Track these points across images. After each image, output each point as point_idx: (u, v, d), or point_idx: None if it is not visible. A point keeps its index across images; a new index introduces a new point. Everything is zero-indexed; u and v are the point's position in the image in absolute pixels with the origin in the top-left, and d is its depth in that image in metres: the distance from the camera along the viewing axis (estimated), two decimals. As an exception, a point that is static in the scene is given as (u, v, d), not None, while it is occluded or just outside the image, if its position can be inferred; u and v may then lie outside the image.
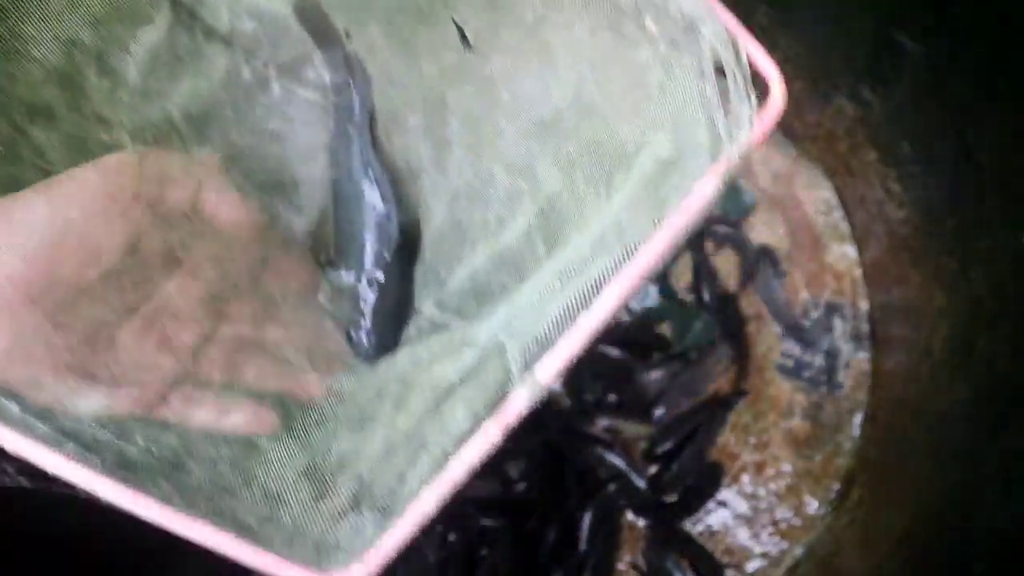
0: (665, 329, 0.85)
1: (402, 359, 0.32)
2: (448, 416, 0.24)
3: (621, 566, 0.80)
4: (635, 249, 0.25)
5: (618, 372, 0.83)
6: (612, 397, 0.83)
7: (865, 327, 0.86)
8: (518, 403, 0.24)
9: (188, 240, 0.29)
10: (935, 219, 0.72)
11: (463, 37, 0.32)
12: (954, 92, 0.64)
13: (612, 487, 0.80)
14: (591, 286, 0.25)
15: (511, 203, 0.33)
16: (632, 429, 0.83)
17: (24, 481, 0.22)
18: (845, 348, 0.86)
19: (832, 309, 0.86)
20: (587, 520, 0.79)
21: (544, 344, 0.24)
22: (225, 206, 0.30)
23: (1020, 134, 0.58)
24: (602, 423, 0.83)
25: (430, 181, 0.35)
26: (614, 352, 0.83)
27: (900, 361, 0.81)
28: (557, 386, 0.83)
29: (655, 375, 0.83)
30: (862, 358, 0.85)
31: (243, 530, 0.23)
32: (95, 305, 0.27)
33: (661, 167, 0.27)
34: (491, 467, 0.80)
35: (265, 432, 0.31)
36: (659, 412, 0.83)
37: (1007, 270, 0.63)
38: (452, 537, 0.79)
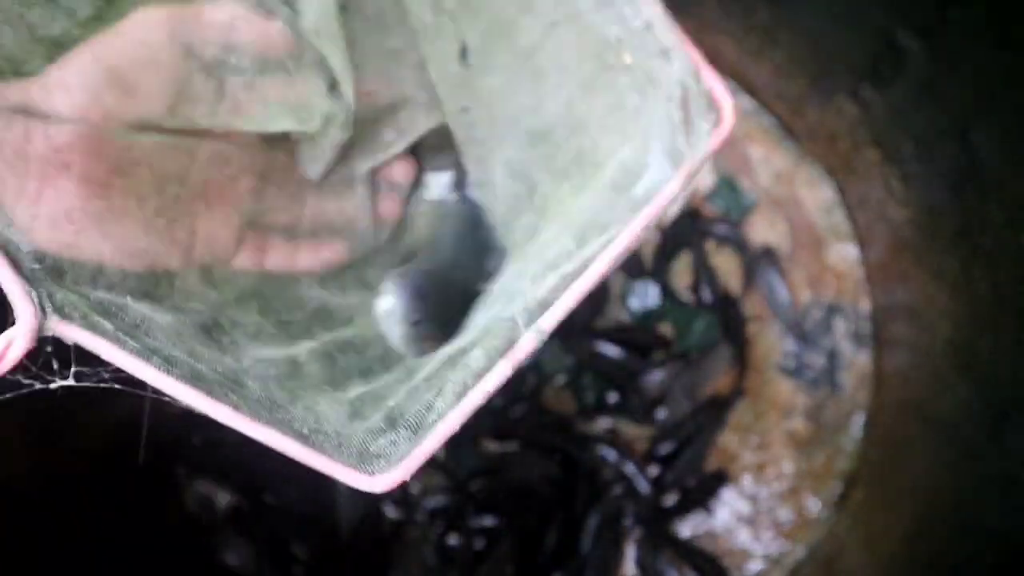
0: (666, 329, 0.85)
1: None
2: (466, 359, 0.29)
3: (623, 568, 0.80)
4: (616, 236, 0.31)
5: (619, 372, 0.83)
6: (613, 398, 0.83)
7: (867, 327, 0.86)
8: (526, 345, 0.30)
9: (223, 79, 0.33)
10: (937, 219, 0.72)
11: (463, 53, 0.38)
12: (956, 91, 0.64)
13: (617, 489, 0.80)
14: (581, 265, 0.31)
15: (513, 205, 0.39)
16: (633, 430, 0.83)
17: (117, 386, 0.27)
18: (847, 348, 0.85)
19: (834, 309, 0.86)
20: (592, 522, 0.79)
21: (544, 305, 0.30)
22: (256, 32, 0.34)
23: (1021, 133, 0.58)
24: (603, 424, 0.83)
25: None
26: (615, 352, 0.83)
27: (902, 361, 0.80)
28: (560, 380, 0.83)
29: (656, 375, 0.83)
30: (864, 358, 0.85)
31: (299, 437, 0.28)
32: (153, 161, 0.31)
33: (627, 174, 0.33)
34: (499, 468, 0.80)
35: (336, 260, 0.38)
36: (661, 413, 0.83)
37: (1009, 270, 0.63)
38: (452, 537, 0.79)
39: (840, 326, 0.86)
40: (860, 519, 0.79)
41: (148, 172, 0.31)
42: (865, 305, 0.86)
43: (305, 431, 0.28)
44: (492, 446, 0.82)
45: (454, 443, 0.79)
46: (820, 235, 0.88)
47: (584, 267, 0.30)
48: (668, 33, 0.32)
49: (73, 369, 0.25)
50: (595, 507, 0.79)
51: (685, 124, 0.32)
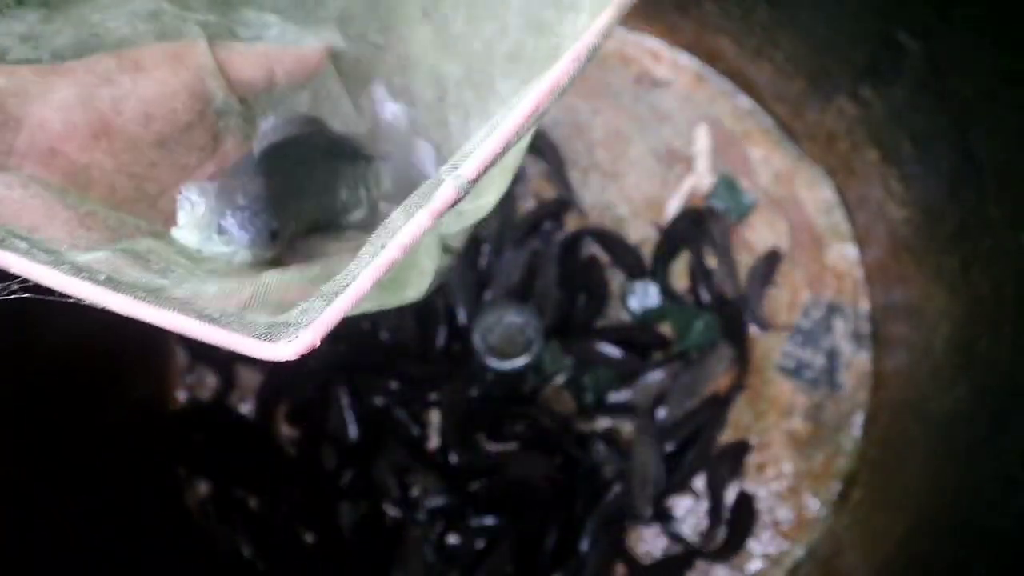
0: (666, 329, 0.85)
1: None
2: (386, 222, 0.27)
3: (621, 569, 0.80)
4: (547, 76, 0.28)
5: (619, 373, 0.83)
6: (613, 397, 0.83)
7: (866, 327, 0.86)
8: (446, 194, 0.26)
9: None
10: (936, 219, 0.72)
11: (425, 12, 0.38)
12: (955, 91, 0.64)
13: (617, 489, 0.80)
14: (510, 108, 0.28)
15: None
16: (633, 430, 0.83)
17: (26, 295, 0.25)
18: (846, 348, 0.85)
19: (833, 309, 0.86)
20: (592, 522, 0.79)
21: (469, 154, 0.27)
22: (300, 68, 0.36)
23: (1021, 133, 0.58)
24: (603, 424, 0.83)
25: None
26: (615, 352, 0.83)
27: (901, 361, 0.80)
28: (560, 380, 0.83)
29: (657, 375, 0.83)
30: (863, 358, 0.85)
31: (201, 317, 0.25)
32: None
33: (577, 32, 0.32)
34: (500, 467, 0.81)
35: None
36: (661, 413, 0.83)
37: (1008, 270, 0.63)
38: (452, 537, 0.79)
39: (839, 326, 0.86)
40: (859, 519, 0.79)
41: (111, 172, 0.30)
42: (864, 305, 0.86)
43: (215, 316, 0.26)
44: (492, 446, 0.82)
45: (454, 443, 0.80)
46: (820, 235, 0.88)
47: (512, 108, 0.28)
48: None
49: None
50: (595, 507, 0.79)
51: None
